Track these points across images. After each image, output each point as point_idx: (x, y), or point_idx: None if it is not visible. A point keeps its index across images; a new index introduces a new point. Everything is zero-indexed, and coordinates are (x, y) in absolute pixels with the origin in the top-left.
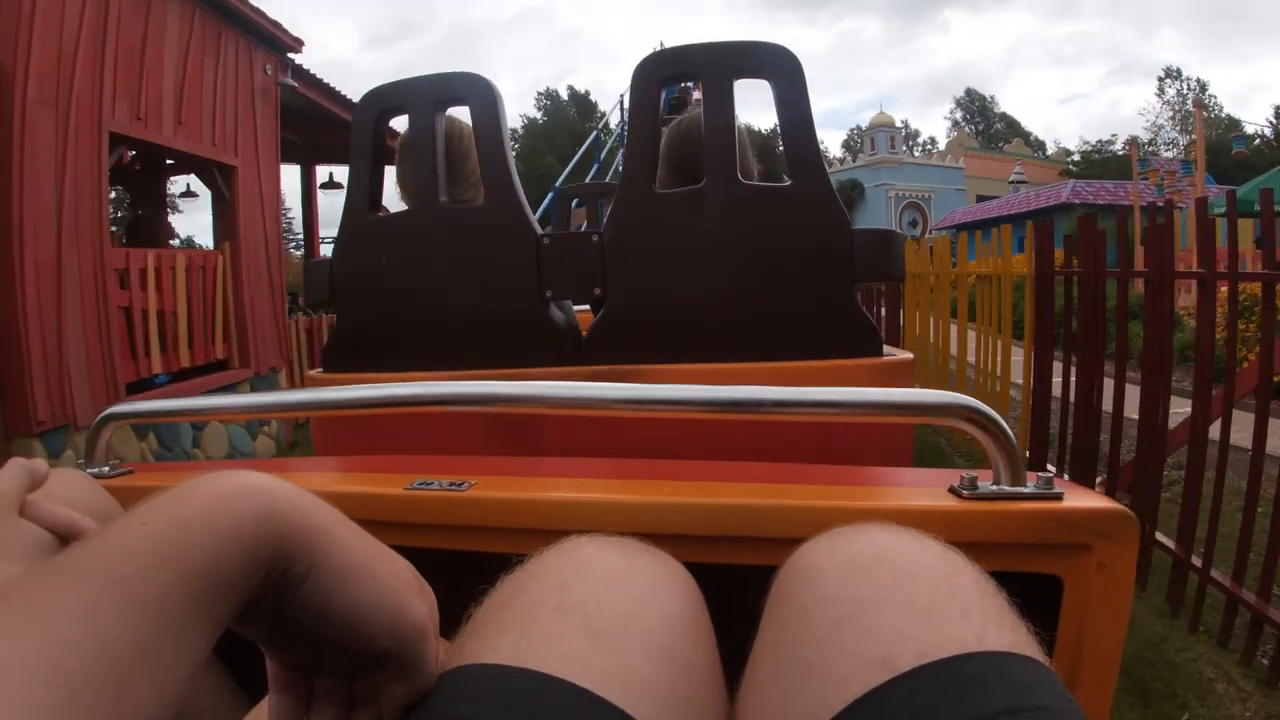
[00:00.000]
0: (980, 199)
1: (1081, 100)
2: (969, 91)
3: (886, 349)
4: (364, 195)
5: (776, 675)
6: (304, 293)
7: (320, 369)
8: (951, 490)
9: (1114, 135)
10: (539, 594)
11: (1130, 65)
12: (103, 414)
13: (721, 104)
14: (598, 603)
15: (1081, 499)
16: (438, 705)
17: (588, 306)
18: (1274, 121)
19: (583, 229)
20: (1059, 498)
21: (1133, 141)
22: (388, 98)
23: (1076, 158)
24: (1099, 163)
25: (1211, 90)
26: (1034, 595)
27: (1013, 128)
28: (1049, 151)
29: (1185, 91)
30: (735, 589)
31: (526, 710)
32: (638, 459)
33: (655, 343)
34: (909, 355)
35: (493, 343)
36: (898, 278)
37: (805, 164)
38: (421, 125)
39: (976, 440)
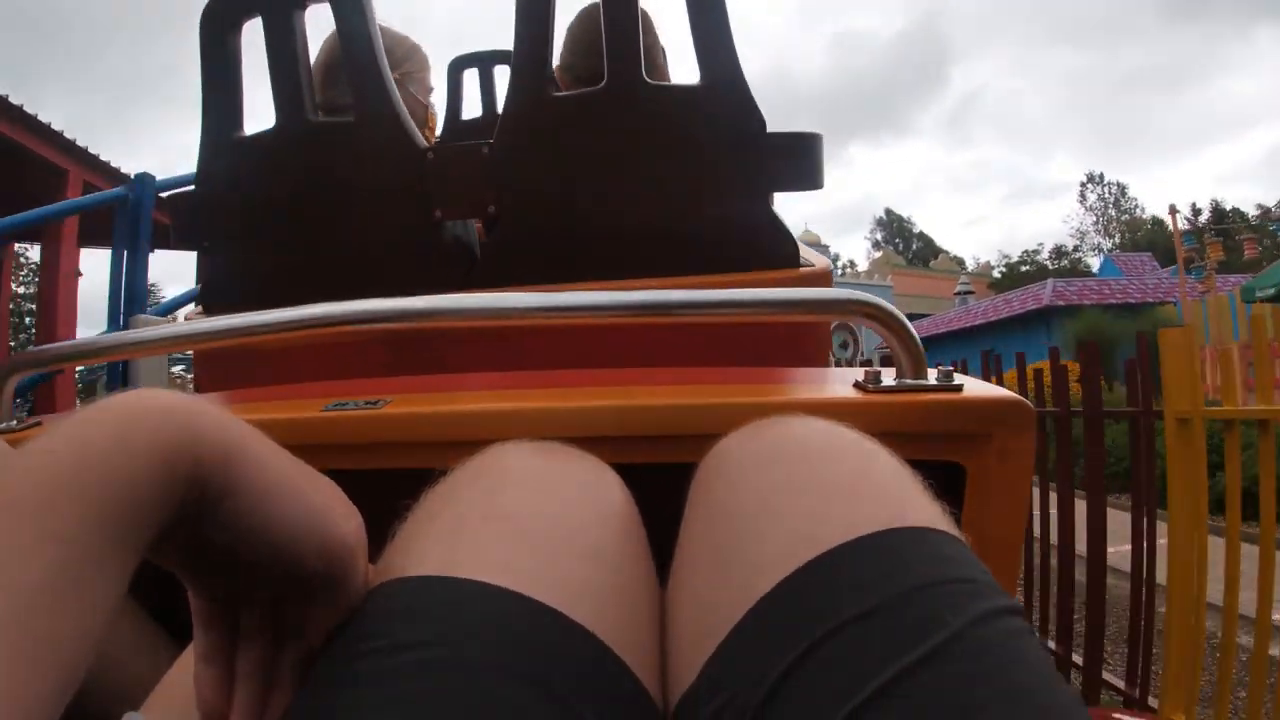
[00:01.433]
0: (911, 318)
1: (985, 222)
2: (888, 211)
3: (803, 257)
4: (219, 115)
5: (703, 565)
6: (171, 232)
7: (198, 309)
8: (857, 385)
9: (1040, 245)
10: (466, 503)
11: (1028, 188)
12: (7, 365)
13: None
14: (526, 507)
15: (981, 390)
16: (367, 622)
17: None
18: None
19: None
20: (959, 389)
21: (1173, 211)
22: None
23: (1003, 269)
24: (1028, 274)
25: (1131, 193)
26: (938, 484)
27: (929, 246)
28: (969, 268)
29: (1106, 196)
30: (662, 488)
31: (458, 618)
32: (552, 370)
33: (556, 262)
34: (826, 263)
35: (379, 270)
36: (818, 185)
37: (717, 59)
38: (280, 28)
39: None
